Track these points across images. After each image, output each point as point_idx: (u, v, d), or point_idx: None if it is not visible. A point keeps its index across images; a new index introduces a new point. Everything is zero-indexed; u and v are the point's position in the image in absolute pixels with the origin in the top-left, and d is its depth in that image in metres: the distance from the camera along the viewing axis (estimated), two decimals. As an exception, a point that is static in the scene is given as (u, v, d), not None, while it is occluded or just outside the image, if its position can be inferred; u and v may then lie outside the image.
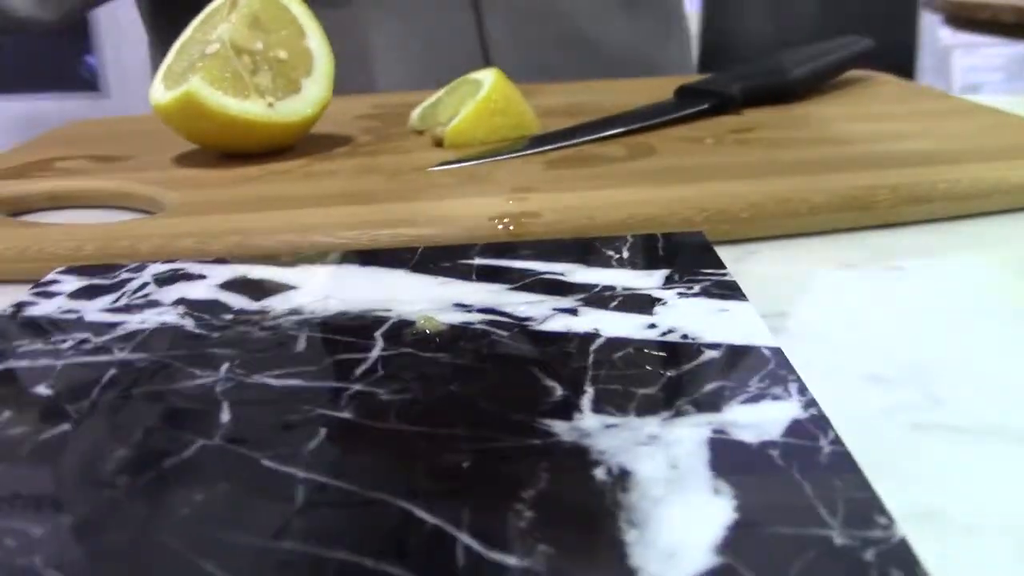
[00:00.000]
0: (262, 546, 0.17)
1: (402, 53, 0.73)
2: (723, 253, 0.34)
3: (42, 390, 0.23)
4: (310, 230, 0.35)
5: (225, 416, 0.21)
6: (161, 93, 0.47)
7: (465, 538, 0.17)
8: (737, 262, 0.34)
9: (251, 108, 0.47)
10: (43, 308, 0.29)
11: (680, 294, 0.27)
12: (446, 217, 0.36)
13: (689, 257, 0.30)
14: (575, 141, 0.48)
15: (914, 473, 0.20)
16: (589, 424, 0.20)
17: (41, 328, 0.27)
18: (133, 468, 0.19)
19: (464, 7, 0.73)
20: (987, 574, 0.17)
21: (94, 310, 0.29)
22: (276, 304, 0.28)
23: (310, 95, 0.49)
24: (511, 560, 0.16)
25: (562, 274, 0.29)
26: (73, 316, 0.28)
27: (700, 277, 0.28)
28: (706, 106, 0.52)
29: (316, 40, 0.51)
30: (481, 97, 0.49)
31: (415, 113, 0.53)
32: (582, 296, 0.27)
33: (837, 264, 0.33)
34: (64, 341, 0.26)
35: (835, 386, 0.24)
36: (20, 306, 0.29)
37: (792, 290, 0.31)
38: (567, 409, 0.21)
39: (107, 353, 0.25)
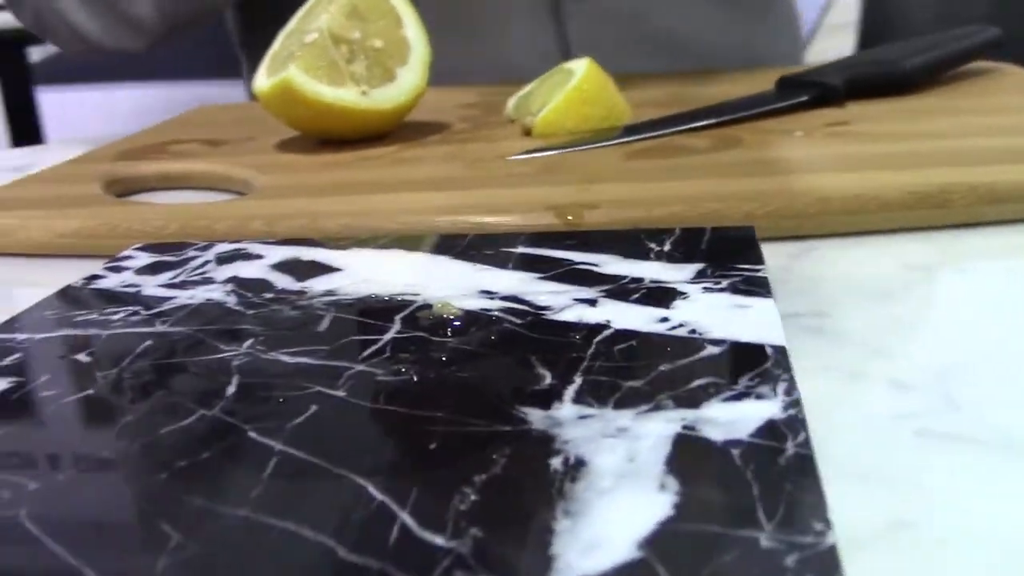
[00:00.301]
0: (219, 511, 0.18)
1: (483, 63, 0.73)
2: (783, 249, 0.33)
3: (82, 357, 0.25)
4: (373, 215, 0.36)
5: (231, 389, 0.23)
6: (263, 81, 0.49)
7: (404, 516, 0.17)
8: (795, 258, 0.33)
9: (345, 96, 0.48)
10: (110, 281, 0.31)
11: (705, 288, 0.27)
12: (507, 205, 0.37)
13: (729, 252, 0.29)
14: (661, 132, 0.47)
15: (902, 481, 0.20)
16: (564, 414, 0.20)
17: (101, 299, 0.29)
18: (132, 432, 0.21)
19: (544, 15, 0.72)
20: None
21: (152, 285, 0.30)
22: (316, 285, 0.29)
23: (405, 83, 0.50)
24: (438, 540, 0.16)
25: (596, 265, 0.29)
26: (132, 290, 0.30)
27: (732, 272, 0.28)
28: (805, 98, 0.51)
29: (413, 29, 0.52)
30: (571, 87, 0.49)
31: (510, 102, 0.54)
32: (607, 288, 0.27)
33: (900, 264, 0.32)
34: (116, 313, 0.28)
35: (852, 389, 0.24)
36: (91, 279, 0.31)
37: (843, 289, 0.30)
38: (549, 398, 0.21)
39: (149, 326, 0.27)
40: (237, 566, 0.16)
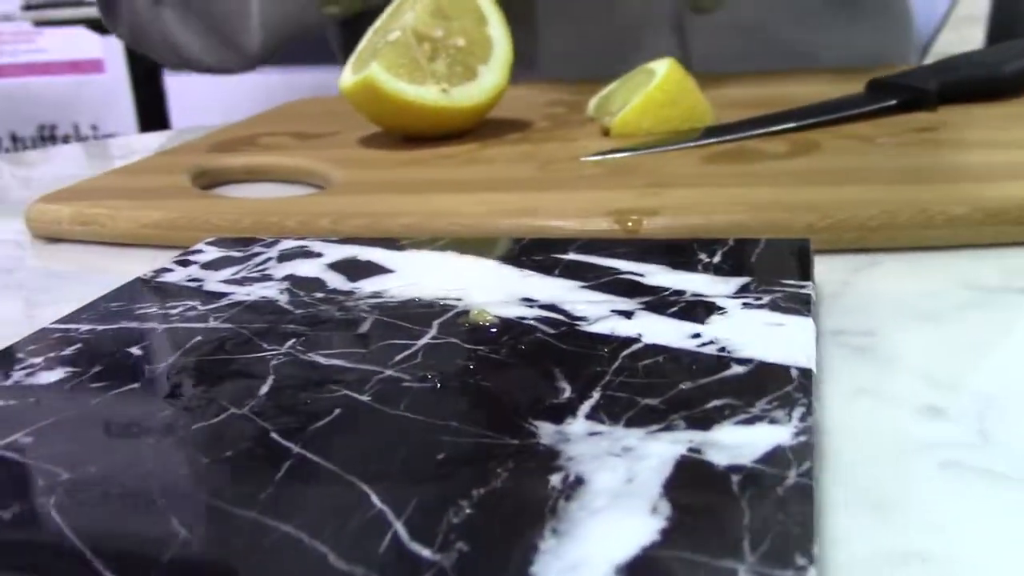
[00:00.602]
0: (229, 511, 0.18)
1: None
2: (843, 262, 0.33)
3: (134, 350, 0.27)
4: (434, 215, 0.37)
5: (264, 389, 0.24)
6: (347, 77, 0.51)
7: (398, 526, 0.18)
8: (855, 272, 0.33)
9: (425, 93, 0.49)
10: (176, 275, 0.32)
11: (745, 304, 0.27)
12: (568, 209, 0.37)
13: (778, 265, 0.29)
14: (739, 135, 0.47)
15: (916, 512, 0.19)
16: (574, 429, 0.21)
17: (164, 293, 0.31)
18: (163, 429, 0.22)
19: (667, 29, 0.72)
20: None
21: (214, 280, 0.32)
22: (366, 286, 0.30)
23: (485, 82, 0.51)
24: (425, 552, 0.17)
25: (642, 275, 0.29)
26: (194, 285, 0.31)
27: (776, 288, 0.27)
28: (894, 102, 0.50)
29: (497, 28, 0.52)
30: (651, 88, 0.49)
31: (592, 102, 0.54)
32: (647, 300, 0.27)
33: (962, 283, 0.31)
34: (175, 307, 0.29)
35: (885, 414, 0.23)
36: (160, 271, 0.33)
37: (897, 308, 0.30)
38: (563, 412, 0.21)
39: (203, 321, 0.28)
40: (234, 566, 0.17)
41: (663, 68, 0.50)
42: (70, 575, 0.17)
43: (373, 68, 0.49)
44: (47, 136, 2.95)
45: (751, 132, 0.47)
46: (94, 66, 2.90)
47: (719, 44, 0.72)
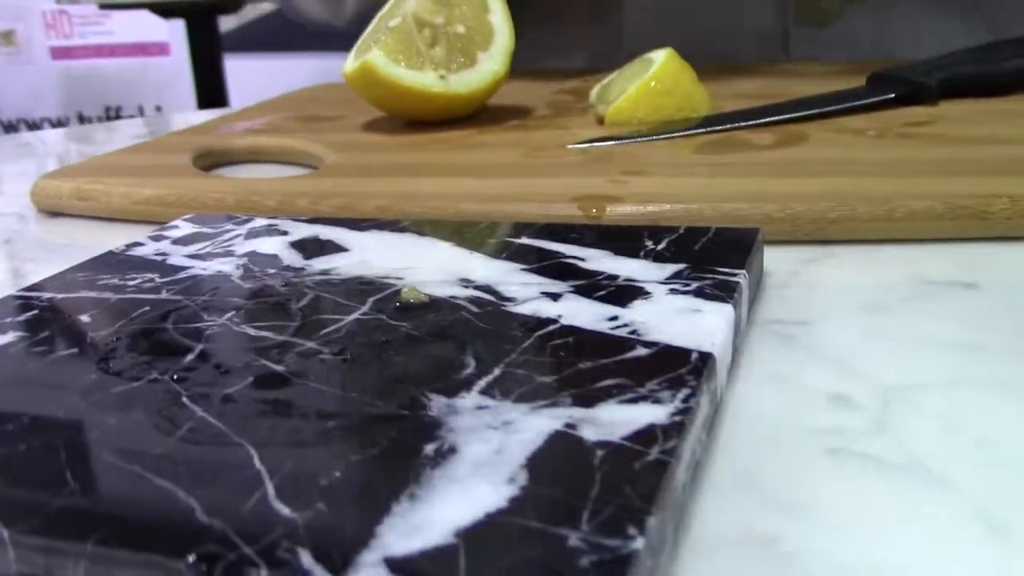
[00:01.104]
0: (119, 466, 0.20)
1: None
2: (798, 253, 0.33)
3: (84, 318, 0.28)
4: (408, 198, 0.38)
5: (190, 357, 0.25)
6: (349, 63, 0.52)
7: (268, 487, 0.19)
8: (807, 263, 0.33)
9: (423, 79, 0.50)
10: (145, 249, 0.34)
11: (672, 290, 0.27)
12: (537, 195, 0.37)
13: (719, 254, 0.29)
14: (729, 126, 0.47)
15: (785, 495, 0.20)
16: (464, 403, 0.21)
17: (128, 265, 0.32)
18: (84, 391, 0.23)
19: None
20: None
21: (179, 255, 0.33)
22: (317, 264, 0.31)
23: (484, 69, 0.52)
24: (285, 511, 0.18)
25: (583, 260, 0.30)
26: (159, 258, 0.33)
27: (708, 275, 0.28)
28: (892, 96, 0.49)
29: (499, 16, 0.53)
30: (645, 78, 0.50)
31: (594, 91, 0.54)
32: (579, 283, 0.28)
33: (912, 277, 0.31)
34: (134, 279, 0.31)
35: (790, 401, 0.24)
36: (130, 245, 0.34)
37: (839, 299, 0.30)
38: (459, 387, 0.22)
39: (155, 293, 0.29)
40: (111, 515, 0.18)
41: (660, 57, 0.51)
42: (-40, 520, 0.18)
43: (372, 54, 0.50)
44: (112, 117, 3.02)
45: (742, 123, 0.47)
46: (160, 49, 2.96)
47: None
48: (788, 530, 0.19)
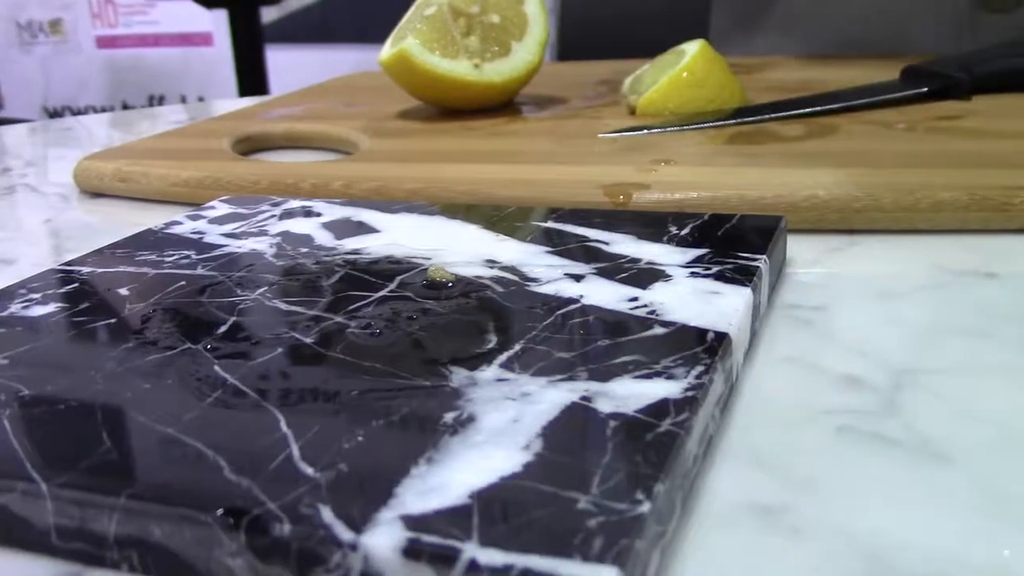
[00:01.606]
0: (152, 427, 0.20)
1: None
2: (823, 241, 0.34)
3: (122, 291, 0.29)
4: (438, 183, 0.39)
5: (223, 328, 0.26)
6: (386, 50, 0.53)
7: (294, 448, 0.19)
8: (831, 252, 0.33)
9: (457, 68, 0.51)
10: (183, 228, 0.35)
11: (692, 273, 0.28)
12: (566, 182, 0.38)
13: (741, 240, 0.30)
14: (760, 118, 0.47)
15: (794, 470, 0.20)
16: (485, 376, 0.22)
17: (166, 243, 0.33)
18: (121, 358, 0.24)
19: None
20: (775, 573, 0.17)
21: (215, 233, 0.34)
22: (348, 243, 0.32)
23: (518, 58, 0.52)
24: (309, 471, 0.19)
25: (607, 244, 0.30)
26: (196, 236, 0.34)
27: (729, 260, 0.28)
28: (925, 89, 0.49)
29: (534, 6, 0.53)
30: (676, 69, 0.50)
31: (627, 82, 0.55)
32: (602, 265, 0.28)
33: (931, 265, 0.31)
34: (171, 256, 0.32)
35: (804, 381, 0.24)
36: (169, 224, 0.35)
37: (857, 286, 0.30)
38: (481, 361, 0.23)
39: (191, 269, 0.30)
40: (143, 472, 0.19)
41: (693, 49, 0.51)
42: (6, 471, 0.19)
43: (407, 42, 0.50)
44: (155, 106, 3.05)
45: (774, 115, 0.47)
46: (204, 39, 2.99)
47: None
48: (795, 503, 0.19)
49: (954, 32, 0.70)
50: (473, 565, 0.16)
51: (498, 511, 0.17)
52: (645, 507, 0.17)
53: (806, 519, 0.19)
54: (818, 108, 0.48)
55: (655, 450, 0.19)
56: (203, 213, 0.37)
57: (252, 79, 2.56)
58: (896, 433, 0.21)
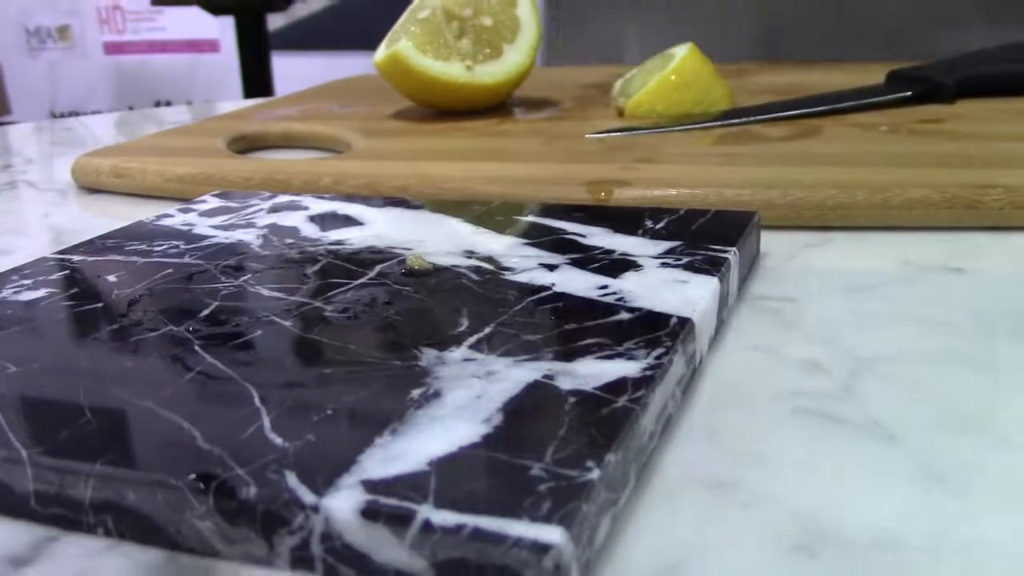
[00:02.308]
0: (132, 401, 0.21)
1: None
2: (798, 237, 0.34)
3: (111, 278, 0.30)
4: (425, 180, 0.40)
5: (205, 312, 0.26)
6: (380, 53, 0.54)
7: (265, 421, 0.20)
8: (806, 247, 0.34)
9: (449, 70, 0.52)
10: (174, 220, 0.36)
11: (663, 264, 0.28)
12: (549, 178, 0.39)
13: (714, 234, 0.31)
14: (745, 120, 0.48)
15: (746, 447, 0.21)
16: (454, 356, 0.23)
17: (156, 234, 0.34)
18: (106, 339, 0.25)
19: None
20: (720, 549, 0.18)
21: (205, 225, 0.35)
22: (332, 235, 0.33)
23: (509, 61, 0.53)
24: (278, 440, 0.19)
25: (584, 236, 0.31)
26: (185, 228, 0.35)
27: (700, 251, 0.29)
28: (909, 93, 0.50)
29: (526, 9, 0.54)
30: (666, 71, 0.51)
31: (616, 85, 0.56)
32: (576, 256, 0.29)
33: (900, 260, 0.32)
34: (160, 246, 0.33)
35: (765, 366, 0.25)
36: (160, 217, 0.36)
37: (827, 280, 0.31)
38: (451, 342, 0.24)
39: (179, 257, 0.31)
40: (118, 441, 0.20)
41: (681, 53, 0.52)
42: (-14, 442, 0.20)
43: (401, 44, 0.51)
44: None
45: (757, 117, 0.48)
46: (211, 46, 3.01)
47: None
48: (746, 477, 0.20)
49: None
50: (427, 525, 0.17)
51: (454, 477, 0.18)
52: (594, 474, 0.18)
53: (754, 493, 0.19)
54: (803, 111, 0.49)
55: (609, 423, 0.19)
56: (194, 207, 0.37)
57: (258, 85, 2.57)
58: (848, 414, 0.22)
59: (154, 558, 0.18)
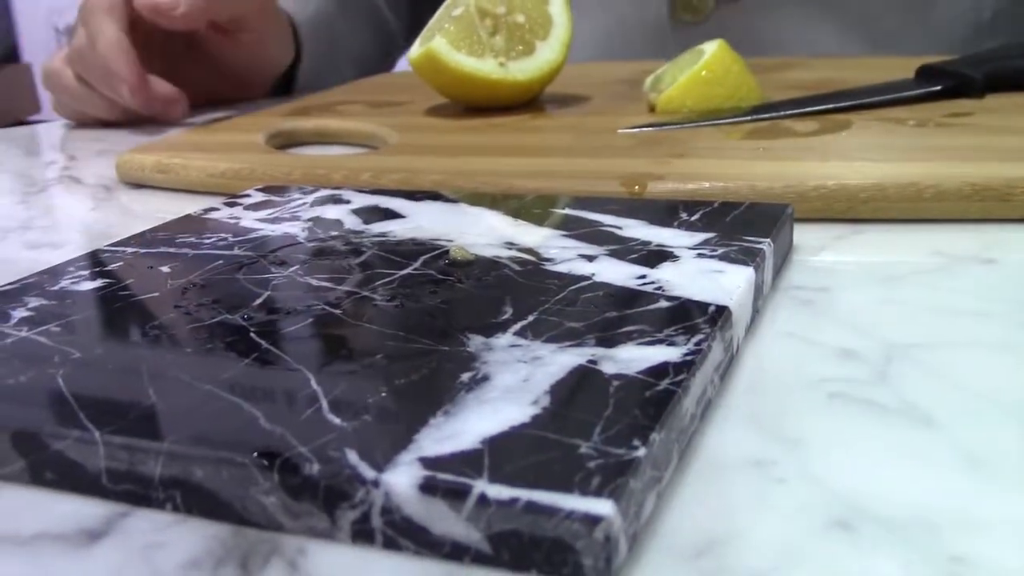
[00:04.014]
0: (193, 384, 0.22)
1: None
2: (829, 230, 0.35)
3: (164, 268, 0.31)
4: (462, 174, 0.41)
5: (258, 301, 0.27)
6: (414, 50, 0.54)
7: (323, 403, 0.21)
8: (837, 239, 0.35)
9: (483, 67, 0.52)
10: (220, 214, 0.37)
11: (699, 254, 0.29)
12: (582, 172, 0.40)
13: (748, 225, 0.31)
14: (776, 114, 0.48)
15: (785, 429, 0.22)
16: (500, 342, 0.24)
17: (204, 227, 0.35)
18: (164, 326, 0.26)
19: None
20: (761, 524, 0.19)
21: (251, 218, 0.36)
22: (376, 227, 0.34)
23: (542, 57, 0.54)
24: (336, 420, 0.20)
25: (620, 228, 0.32)
26: (232, 221, 0.36)
27: (735, 242, 0.30)
28: (939, 88, 0.51)
29: (558, 6, 0.55)
30: (696, 67, 0.51)
31: (648, 80, 0.56)
32: (614, 247, 0.30)
33: (930, 252, 0.33)
34: (209, 238, 0.34)
35: (801, 353, 0.26)
36: (207, 210, 0.37)
37: (859, 270, 0.32)
38: (497, 329, 0.24)
39: (228, 249, 0.32)
40: (183, 421, 0.21)
41: (711, 49, 0.52)
42: (62, 421, 0.21)
43: (436, 41, 0.52)
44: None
45: (787, 112, 0.49)
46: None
47: None
48: (785, 458, 0.21)
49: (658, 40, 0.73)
50: (483, 499, 0.17)
51: (506, 454, 0.19)
52: (641, 452, 0.18)
53: (793, 472, 0.20)
54: (832, 105, 0.49)
55: (653, 405, 0.20)
56: (239, 200, 0.39)
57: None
58: (884, 400, 0.23)
59: (221, 531, 0.19)
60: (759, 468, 0.20)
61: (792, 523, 0.19)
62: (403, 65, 0.79)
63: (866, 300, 0.29)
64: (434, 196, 0.37)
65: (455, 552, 0.18)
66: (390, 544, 0.18)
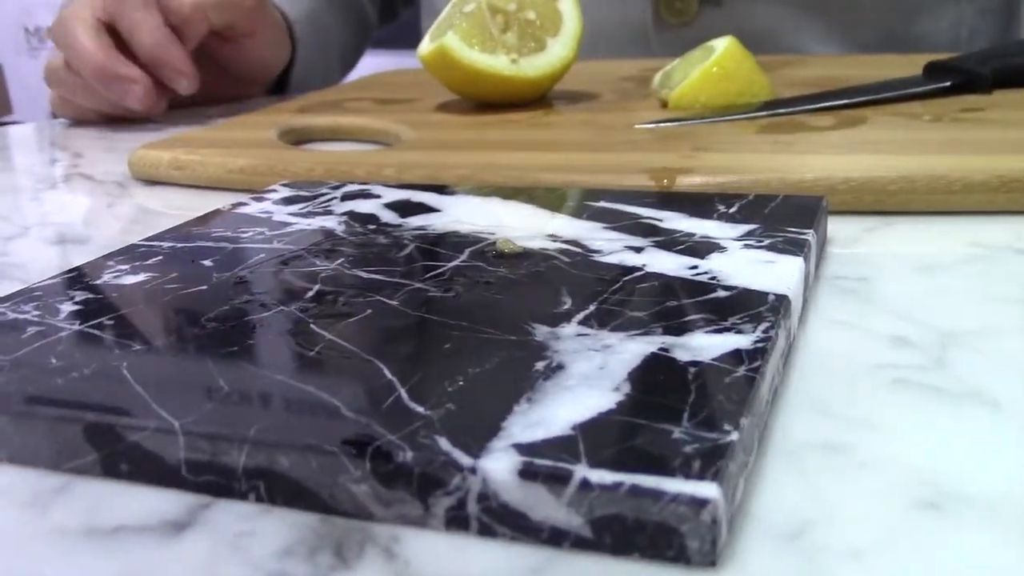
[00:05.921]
0: (263, 375, 0.22)
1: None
2: (860, 222, 0.35)
3: (207, 262, 0.31)
4: (487, 169, 0.41)
5: (310, 293, 0.27)
6: (425, 46, 0.54)
7: (402, 391, 0.21)
8: (869, 231, 0.35)
9: (495, 63, 0.52)
10: (250, 208, 0.37)
11: (746, 245, 0.29)
12: (610, 167, 0.40)
13: (787, 217, 0.32)
14: (791, 110, 0.49)
15: (855, 414, 0.22)
16: (566, 331, 0.24)
17: (238, 221, 0.35)
18: (221, 319, 0.26)
19: None
20: (850, 505, 0.19)
21: (283, 213, 0.36)
22: (413, 221, 0.34)
23: (553, 54, 0.54)
24: (420, 409, 0.20)
25: (660, 220, 0.32)
26: (264, 215, 0.35)
27: (779, 233, 0.30)
28: (948, 84, 0.51)
29: (568, 3, 0.55)
30: (708, 63, 0.52)
31: (656, 77, 0.57)
32: (659, 239, 0.30)
33: (966, 242, 0.33)
34: (246, 232, 0.33)
35: (857, 340, 0.26)
36: (236, 205, 0.37)
37: (898, 260, 0.32)
38: (560, 319, 0.25)
39: (268, 243, 0.32)
40: (262, 411, 0.21)
41: (722, 45, 0.53)
42: (133, 411, 0.21)
43: (447, 37, 0.52)
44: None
45: (801, 108, 0.49)
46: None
47: None
48: (860, 441, 0.21)
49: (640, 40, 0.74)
50: (585, 483, 0.17)
51: (599, 440, 0.19)
52: (734, 436, 0.19)
53: (871, 455, 0.20)
54: (845, 101, 0.50)
55: (735, 390, 0.20)
56: (266, 196, 0.38)
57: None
58: (947, 384, 0.23)
59: (310, 520, 0.19)
60: (837, 452, 0.21)
61: (881, 503, 0.19)
62: (403, 62, 0.79)
63: (910, 289, 0.29)
64: (465, 190, 0.37)
65: (554, 537, 0.18)
66: (485, 531, 0.18)
